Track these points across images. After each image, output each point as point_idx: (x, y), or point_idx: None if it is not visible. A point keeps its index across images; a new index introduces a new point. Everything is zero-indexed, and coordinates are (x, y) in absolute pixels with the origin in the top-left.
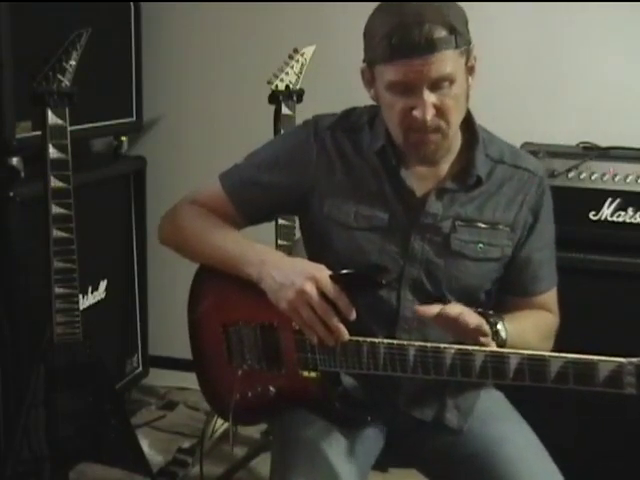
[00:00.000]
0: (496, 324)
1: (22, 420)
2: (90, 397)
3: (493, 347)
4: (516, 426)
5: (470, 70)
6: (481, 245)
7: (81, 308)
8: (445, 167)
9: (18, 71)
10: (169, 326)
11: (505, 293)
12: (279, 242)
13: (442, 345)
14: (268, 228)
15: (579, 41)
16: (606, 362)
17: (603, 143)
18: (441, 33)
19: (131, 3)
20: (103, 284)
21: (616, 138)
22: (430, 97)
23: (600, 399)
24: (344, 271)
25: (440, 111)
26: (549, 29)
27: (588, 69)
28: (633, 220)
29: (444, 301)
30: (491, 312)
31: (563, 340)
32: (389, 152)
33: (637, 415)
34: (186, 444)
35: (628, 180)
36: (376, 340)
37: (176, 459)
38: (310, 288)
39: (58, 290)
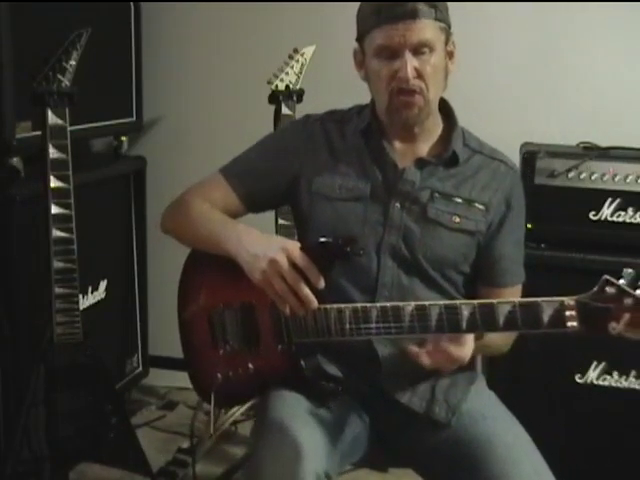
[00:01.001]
0: None
1: (22, 420)
2: (90, 397)
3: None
4: (507, 425)
5: (450, 55)
6: (456, 216)
7: (81, 308)
8: (425, 147)
9: (18, 71)
10: (169, 326)
11: (476, 281)
12: None
13: (401, 303)
14: (268, 228)
15: (579, 41)
16: (549, 302)
17: (603, 143)
18: (423, 6)
19: (131, 3)
20: (103, 284)
21: (616, 138)
22: (412, 60)
23: (589, 395)
24: (319, 240)
25: (420, 75)
26: (549, 29)
27: (588, 69)
28: (633, 220)
29: (422, 270)
30: None
31: (564, 339)
32: (374, 127)
33: (625, 413)
34: (186, 444)
35: (628, 180)
36: (342, 305)
37: (176, 459)
38: (281, 258)
39: (58, 290)
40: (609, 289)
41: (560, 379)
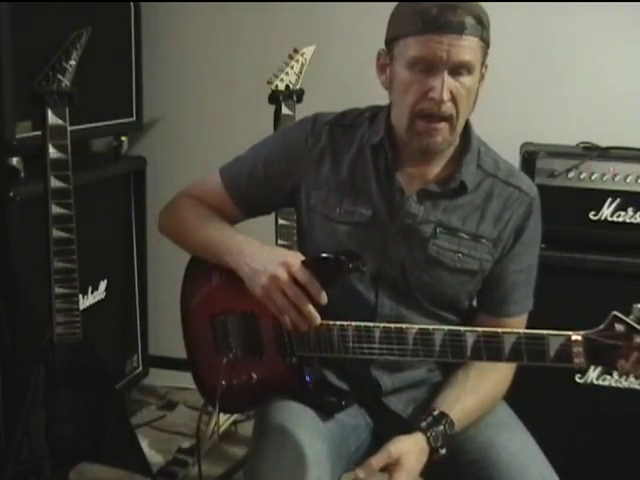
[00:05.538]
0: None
1: (22, 420)
2: (90, 397)
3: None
4: (512, 431)
5: (481, 77)
6: (460, 255)
7: (81, 308)
8: (435, 169)
9: (18, 71)
10: (169, 326)
11: (477, 308)
12: (279, 242)
13: (404, 325)
14: (268, 228)
15: (579, 41)
16: (555, 336)
17: (603, 143)
18: (471, 21)
19: (131, 3)
20: (103, 284)
21: (616, 138)
22: (449, 80)
23: (589, 395)
24: (321, 255)
25: (454, 99)
26: (549, 29)
27: (588, 69)
28: (633, 220)
29: (420, 303)
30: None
31: None
32: (386, 147)
33: (625, 413)
34: (186, 444)
35: (628, 180)
36: (345, 323)
37: (176, 459)
38: (282, 273)
39: (58, 290)
40: (618, 326)
41: (560, 379)
